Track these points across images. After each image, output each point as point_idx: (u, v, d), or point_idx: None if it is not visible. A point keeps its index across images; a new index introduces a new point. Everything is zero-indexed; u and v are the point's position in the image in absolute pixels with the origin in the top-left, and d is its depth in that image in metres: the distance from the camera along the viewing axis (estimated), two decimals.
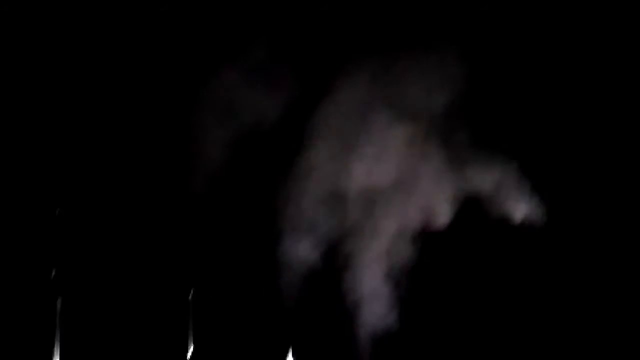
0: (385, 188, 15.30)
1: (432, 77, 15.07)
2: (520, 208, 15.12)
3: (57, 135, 15.40)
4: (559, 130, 15.42)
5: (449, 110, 15.17)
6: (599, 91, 15.28)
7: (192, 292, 15.33)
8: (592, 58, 15.25)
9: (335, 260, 15.57)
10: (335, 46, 15.27)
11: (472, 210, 15.26)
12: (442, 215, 15.19)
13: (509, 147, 15.23)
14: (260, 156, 15.41)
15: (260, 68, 15.16)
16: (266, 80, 15.18)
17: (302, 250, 15.47)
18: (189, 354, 15.21)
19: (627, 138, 15.31)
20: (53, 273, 15.02)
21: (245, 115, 15.20)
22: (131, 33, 15.33)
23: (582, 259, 15.29)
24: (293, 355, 15.41)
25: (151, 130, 15.43)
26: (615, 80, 15.24)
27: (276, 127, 15.31)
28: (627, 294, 15.23)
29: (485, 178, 15.12)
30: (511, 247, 15.28)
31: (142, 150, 15.46)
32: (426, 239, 15.32)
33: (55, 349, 14.75)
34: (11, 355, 14.91)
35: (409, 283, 15.46)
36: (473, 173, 15.15)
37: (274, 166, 15.41)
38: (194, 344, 15.29)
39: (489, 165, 15.12)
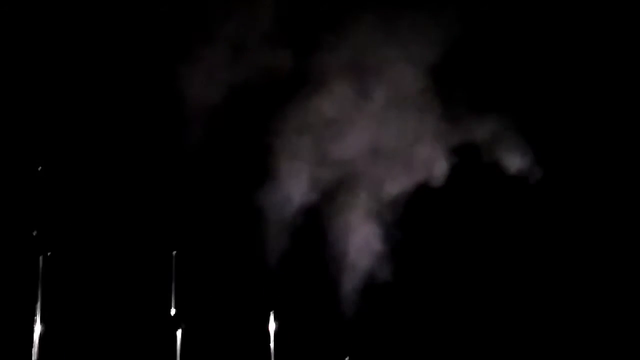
0: (383, 142, 15.21)
1: (430, 31, 14.89)
2: (516, 161, 15.13)
3: (40, 88, 15.01)
4: (555, 85, 15.35)
5: (446, 65, 15.07)
6: (597, 47, 15.23)
7: (174, 253, 15.16)
8: (590, 14, 15.15)
9: (326, 214, 15.52)
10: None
11: (469, 164, 15.22)
12: (439, 169, 15.15)
13: (506, 101, 15.15)
14: (256, 107, 15.18)
15: (261, 18, 14.83)
16: (267, 30, 14.87)
17: (291, 202, 15.40)
18: (171, 314, 15.12)
19: (624, 94, 15.30)
20: (35, 231, 14.73)
21: (243, 65, 14.91)
22: None
23: (576, 212, 15.36)
24: (275, 317, 15.42)
25: (140, 80, 15.10)
26: (611, 33, 15.18)
27: (274, 77, 15.05)
28: (622, 248, 15.34)
29: (482, 131, 15.07)
30: (507, 201, 15.30)
31: (128, 103, 15.15)
32: (423, 192, 15.30)
33: (37, 307, 14.56)
34: None
35: (403, 237, 15.46)
36: (470, 127, 15.08)
37: (269, 116, 15.20)
38: (176, 303, 15.19)
39: (486, 119, 15.06)
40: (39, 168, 14.74)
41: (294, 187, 15.44)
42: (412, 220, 15.63)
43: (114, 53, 15.19)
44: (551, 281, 15.50)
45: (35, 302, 14.49)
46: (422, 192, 15.57)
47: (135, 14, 15.00)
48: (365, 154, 15.45)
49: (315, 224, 15.68)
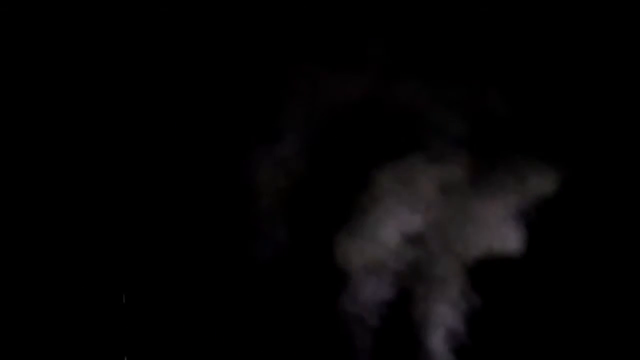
0: (452, 222, 15.05)
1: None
2: None
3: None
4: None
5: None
6: None
7: None
8: None
9: (407, 304, 15.31)
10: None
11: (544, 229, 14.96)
12: (514, 242, 14.89)
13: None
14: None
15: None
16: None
17: (371, 297, 15.23)
18: None
19: None
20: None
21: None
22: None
23: None
24: None
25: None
26: None
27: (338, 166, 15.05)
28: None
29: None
30: None
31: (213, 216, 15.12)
32: (500, 270, 15.06)
33: None
34: None
35: (484, 323, 15.17)
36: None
37: (338, 203, 15.08)
38: None
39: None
40: (124, 298, 14.83)
41: (374, 287, 15.29)
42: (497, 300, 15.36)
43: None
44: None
45: None
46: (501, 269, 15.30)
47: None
48: (439, 234, 15.30)
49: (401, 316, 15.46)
